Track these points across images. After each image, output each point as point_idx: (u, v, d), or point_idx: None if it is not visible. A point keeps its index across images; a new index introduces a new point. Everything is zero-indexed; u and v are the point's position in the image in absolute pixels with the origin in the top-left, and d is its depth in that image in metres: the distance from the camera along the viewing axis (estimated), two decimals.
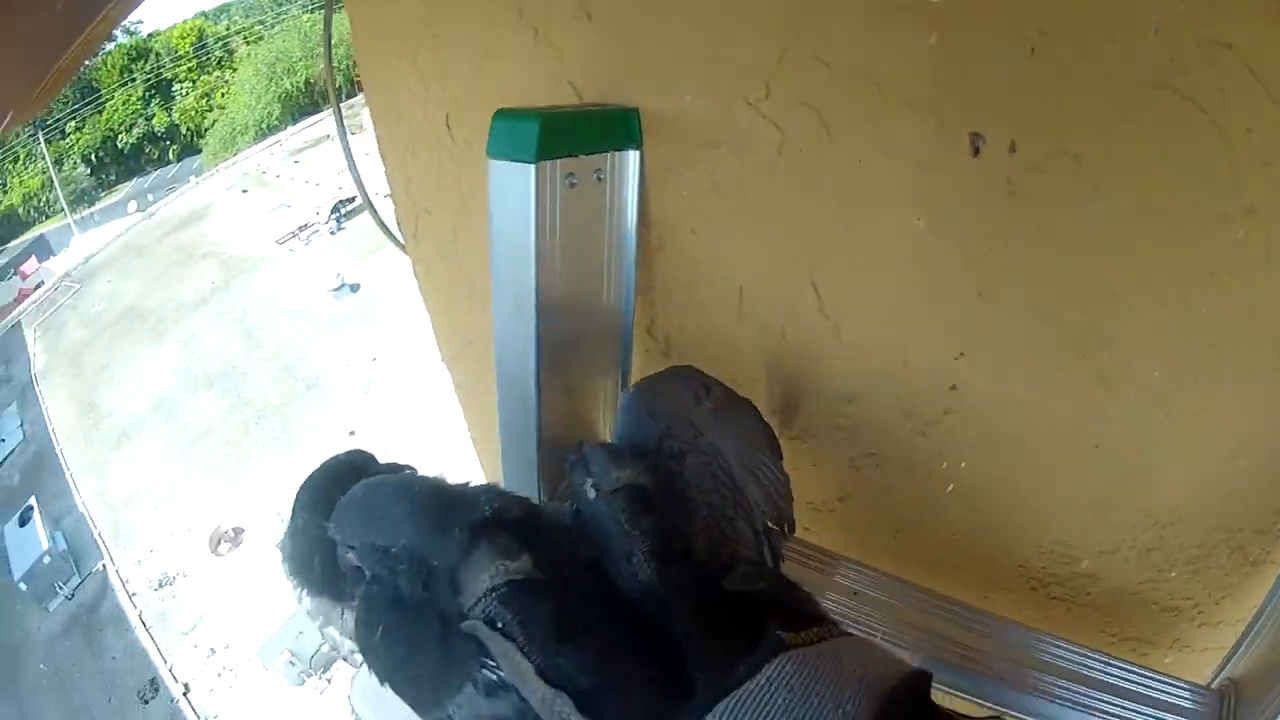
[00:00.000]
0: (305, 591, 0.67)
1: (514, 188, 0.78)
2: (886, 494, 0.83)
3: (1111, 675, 0.73)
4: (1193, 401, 0.70)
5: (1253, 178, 0.59)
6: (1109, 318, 0.68)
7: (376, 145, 1.15)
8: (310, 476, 0.68)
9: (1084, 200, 0.60)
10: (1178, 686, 0.72)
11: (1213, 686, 0.74)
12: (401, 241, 1.24)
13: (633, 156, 0.83)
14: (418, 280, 1.22)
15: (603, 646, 0.52)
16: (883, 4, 0.62)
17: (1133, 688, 0.72)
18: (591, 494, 0.57)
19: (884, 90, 0.64)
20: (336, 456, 0.69)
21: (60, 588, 11.92)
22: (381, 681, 0.58)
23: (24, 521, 12.87)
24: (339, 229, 19.07)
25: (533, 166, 0.73)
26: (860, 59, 0.64)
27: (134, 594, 11.45)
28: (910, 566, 0.81)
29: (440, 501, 0.58)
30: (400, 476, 0.64)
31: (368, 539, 0.58)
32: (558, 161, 0.77)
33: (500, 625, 0.52)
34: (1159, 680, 0.72)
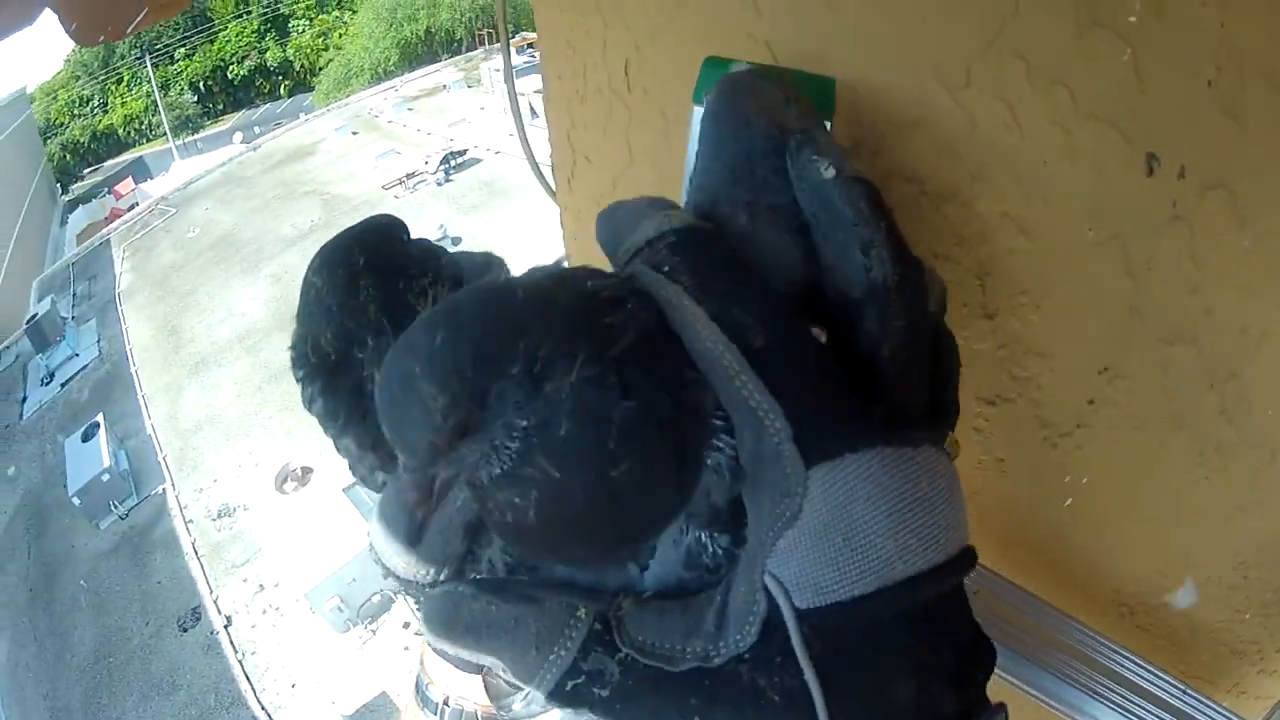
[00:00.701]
0: (317, 390, 0.53)
1: None
2: (1006, 501, 0.81)
3: (1174, 698, 0.79)
4: None
5: None
6: (1238, 352, 0.69)
7: (541, 87, 1.11)
8: (327, 243, 0.54)
9: (1234, 234, 0.60)
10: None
11: None
12: (554, 188, 1.20)
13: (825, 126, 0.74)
14: (563, 230, 1.15)
15: (782, 311, 0.42)
16: (1087, 14, 0.59)
17: (1191, 713, 0.77)
18: (829, 173, 0.44)
19: (1077, 97, 0.61)
20: (358, 223, 0.56)
21: (115, 507, 11.83)
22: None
23: (87, 437, 12.76)
24: (446, 180, 18.78)
25: None
26: (1059, 62, 0.61)
27: (190, 521, 11.33)
28: (1012, 575, 0.81)
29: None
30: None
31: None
32: None
33: (666, 270, 0.43)
34: (1224, 715, 0.77)
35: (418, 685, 0.65)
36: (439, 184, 18.90)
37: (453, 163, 19.17)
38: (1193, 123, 0.58)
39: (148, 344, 15.50)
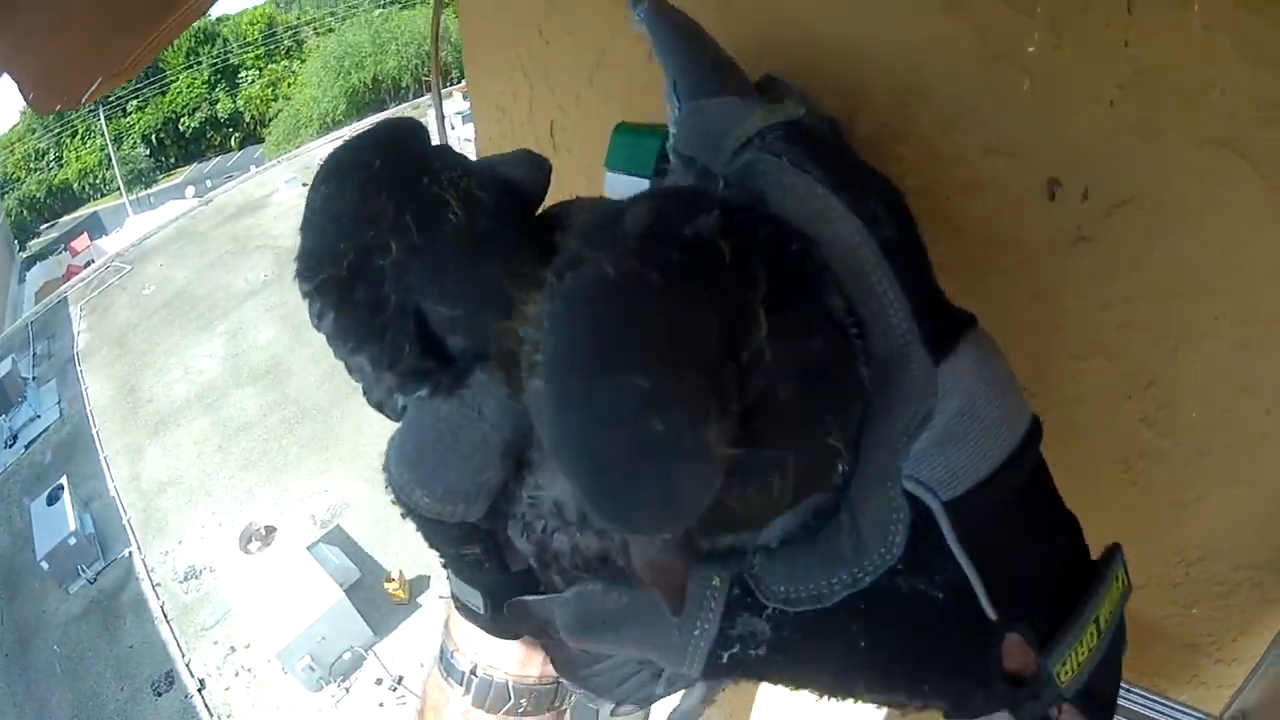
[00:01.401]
0: (328, 304, 0.48)
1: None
2: None
3: (1128, 701, 0.78)
4: (1227, 443, 0.72)
5: None
6: (1155, 360, 0.70)
7: (474, 146, 1.15)
8: (337, 149, 0.48)
9: (1144, 248, 0.62)
10: (1190, 715, 0.77)
11: (1224, 718, 0.79)
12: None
13: None
14: None
15: (901, 200, 0.42)
16: (989, 49, 0.64)
17: (1149, 714, 0.77)
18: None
19: (980, 130, 0.66)
20: (371, 126, 0.50)
21: (83, 570, 11.85)
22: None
23: (52, 500, 12.71)
24: None
25: (648, 181, 0.77)
26: (962, 97, 0.66)
27: (158, 584, 11.38)
28: None
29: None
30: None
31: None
32: None
33: (788, 160, 0.41)
34: (1172, 707, 0.77)
35: (442, 653, 0.61)
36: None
37: None
38: (1095, 144, 0.61)
39: (107, 404, 15.47)
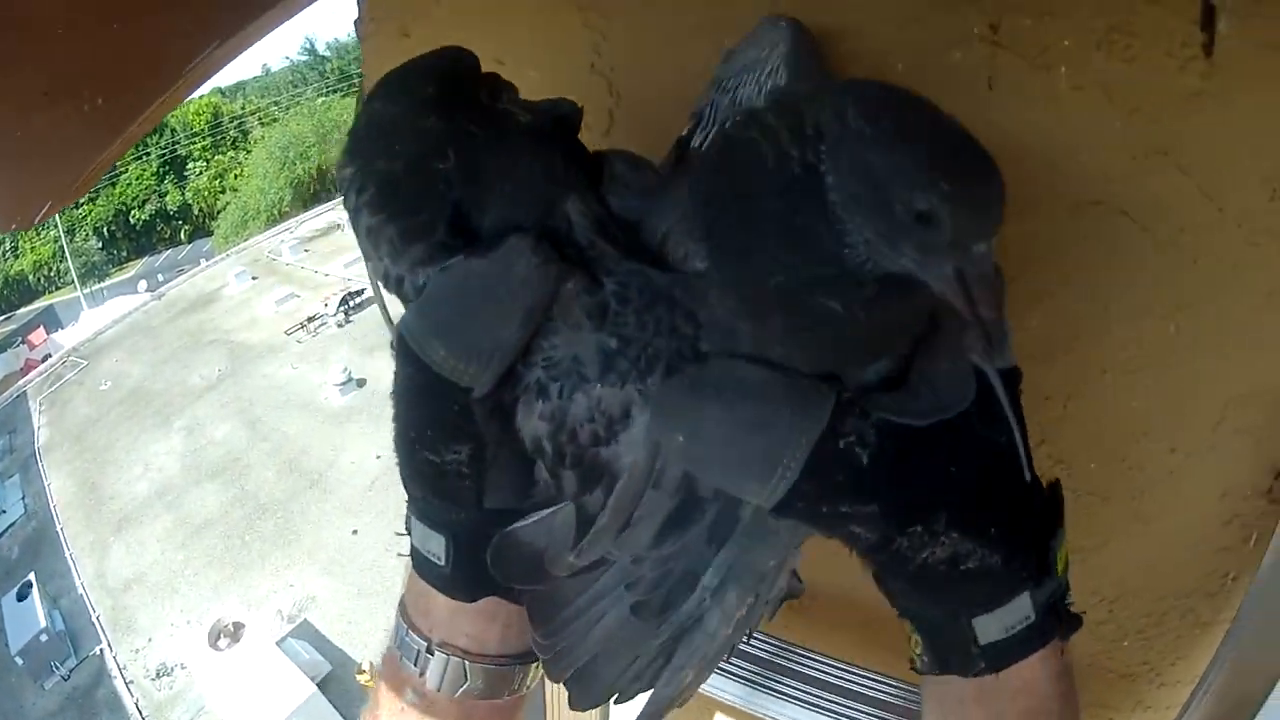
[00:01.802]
0: (371, 186, 0.50)
1: None
2: (853, 591, 0.85)
3: None
4: (1129, 487, 0.76)
5: (1184, 274, 0.66)
6: (1046, 418, 0.75)
7: None
8: (392, 73, 0.53)
9: (1022, 317, 0.68)
10: None
11: None
12: None
13: None
14: None
15: None
16: None
17: None
18: None
19: None
20: (425, 55, 0.54)
21: (57, 667, 12.15)
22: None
23: (22, 596, 13.02)
24: (347, 321, 19.45)
25: None
26: None
27: (131, 682, 11.75)
28: (878, 655, 0.92)
29: None
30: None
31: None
32: None
33: None
34: None
35: (396, 632, 0.59)
36: (340, 325, 19.45)
37: (351, 303, 19.51)
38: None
39: (71, 501, 15.68)
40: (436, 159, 0.50)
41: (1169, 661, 0.87)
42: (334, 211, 25.75)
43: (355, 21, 1.10)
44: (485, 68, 0.58)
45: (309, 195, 28.47)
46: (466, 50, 0.55)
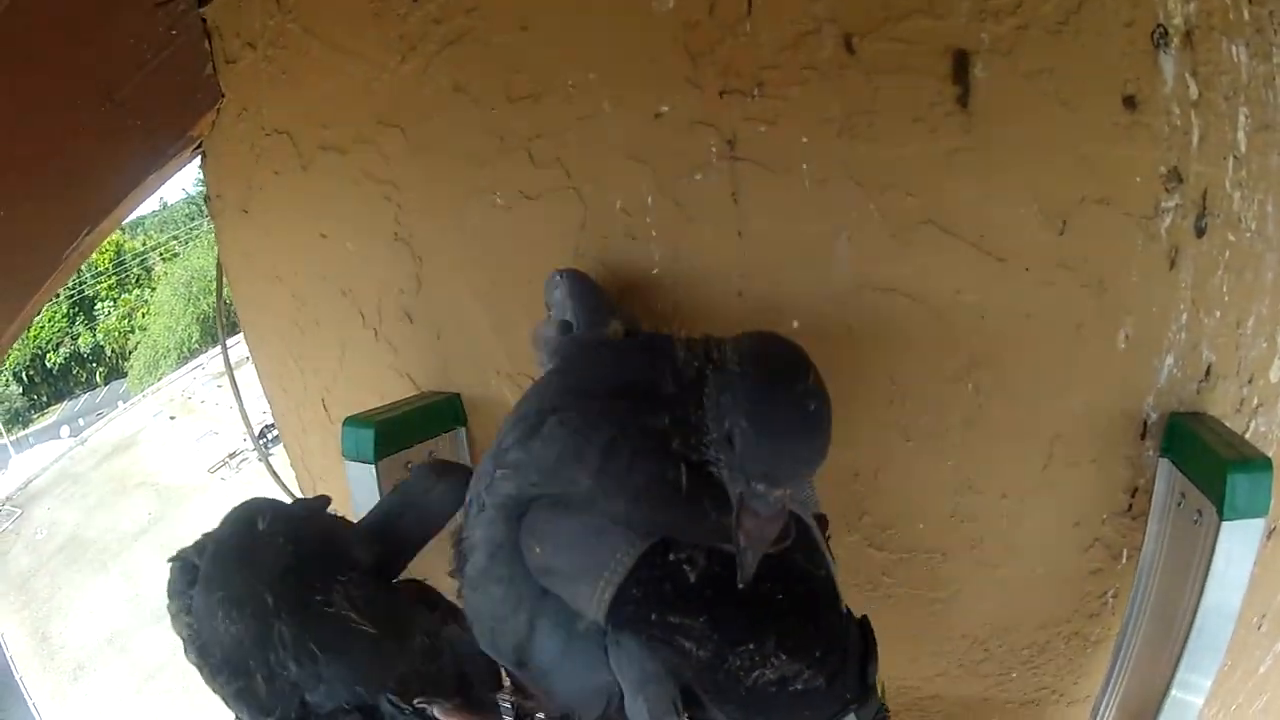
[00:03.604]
0: (233, 694, 0.60)
1: (365, 483, 0.97)
2: None
3: None
4: (965, 539, 0.79)
5: (972, 334, 0.68)
6: (861, 493, 0.79)
7: (274, 419, 1.45)
8: (231, 574, 0.57)
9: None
10: None
11: None
12: (300, 497, 1.46)
13: (461, 433, 1.05)
14: None
15: None
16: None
17: None
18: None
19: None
20: (233, 513, 0.60)
21: None
22: None
23: None
24: (268, 453, 17.17)
25: (373, 466, 0.91)
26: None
27: None
28: None
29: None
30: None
31: None
32: (395, 456, 0.96)
33: None
34: None
35: None
36: (260, 459, 16.29)
37: (269, 435, 16.95)
38: (729, 328, 0.67)
39: (25, 651, 15.81)
40: (282, 670, 0.66)
41: (1069, 682, 0.91)
42: (242, 345, 23.55)
43: (204, 198, 1.20)
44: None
45: (216, 330, 24.98)
46: (276, 540, 0.70)
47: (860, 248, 0.78)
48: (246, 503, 0.84)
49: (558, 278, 0.90)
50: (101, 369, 30.99)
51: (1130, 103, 0.82)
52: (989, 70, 0.76)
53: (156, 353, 27.65)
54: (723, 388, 0.58)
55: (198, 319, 27.49)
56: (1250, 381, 0.94)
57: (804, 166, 0.76)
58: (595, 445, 0.65)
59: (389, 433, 1.04)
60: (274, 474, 1.72)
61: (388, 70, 1.17)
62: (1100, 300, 0.87)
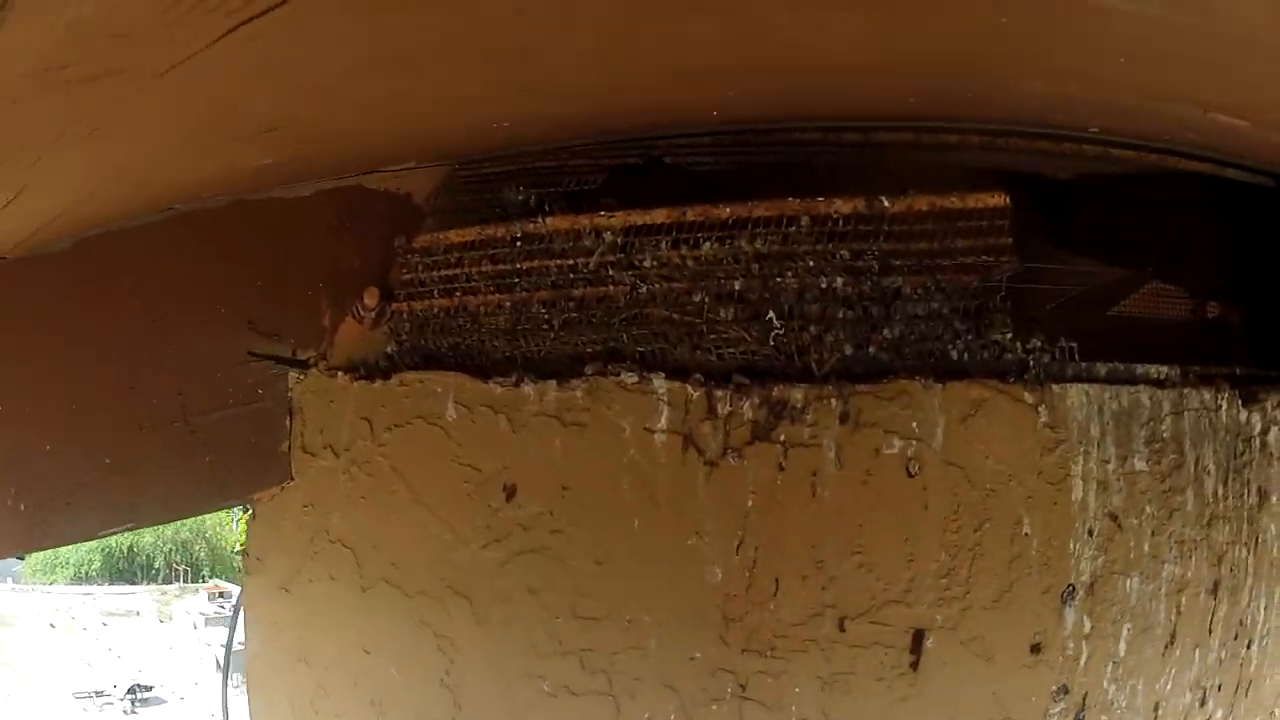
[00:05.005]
0: None
1: None
2: None
3: None
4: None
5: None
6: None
7: (221, 654, 2.76)
8: None
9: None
10: None
11: None
12: None
13: None
14: None
15: None
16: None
17: None
18: None
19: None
20: None
21: None
22: None
23: None
24: (132, 711, 18.53)
25: None
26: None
27: None
28: None
29: None
30: None
31: None
32: None
33: None
34: None
35: None
36: (125, 713, 18.35)
37: (139, 695, 18.66)
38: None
39: None
40: None
41: None
42: (137, 597, 25.17)
43: (241, 554, 1.22)
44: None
45: (117, 570, 26.94)
46: None
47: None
48: None
49: None
50: None
51: (1036, 649, 0.98)
52: (937, 641, 0.90)
53: (55, 559, 27.14)
54: None
55: (103, 551, 26.91)
56: None
57: (793, 708, 0.90)
58: None
59: None
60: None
61: (469, 548, 1.28)
62: None
